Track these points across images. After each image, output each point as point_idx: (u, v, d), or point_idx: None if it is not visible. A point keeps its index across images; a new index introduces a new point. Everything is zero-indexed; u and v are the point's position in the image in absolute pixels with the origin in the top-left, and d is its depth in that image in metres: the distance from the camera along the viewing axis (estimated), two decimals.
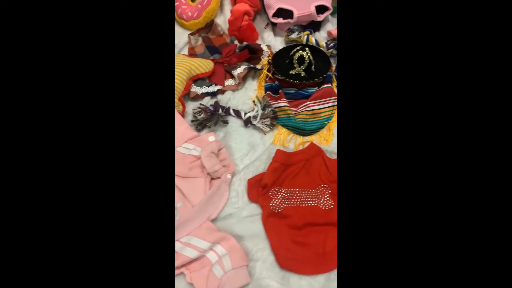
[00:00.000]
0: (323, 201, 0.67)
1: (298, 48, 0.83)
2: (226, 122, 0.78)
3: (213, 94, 0.84)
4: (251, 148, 0.75)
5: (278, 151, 0.71)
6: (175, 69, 0.81)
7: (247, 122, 0.77)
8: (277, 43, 0.97)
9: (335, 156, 0.73)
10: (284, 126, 0.78)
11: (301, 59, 0.82)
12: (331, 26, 1.00)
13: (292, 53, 0.82)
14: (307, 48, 0.83)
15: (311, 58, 0.83)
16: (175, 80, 0.79)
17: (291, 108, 0.80)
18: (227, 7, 1.03)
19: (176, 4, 1.01)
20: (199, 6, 0.98)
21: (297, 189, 0.68)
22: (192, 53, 0.93)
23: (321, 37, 0.96)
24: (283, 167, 0.69)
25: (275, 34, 1.00)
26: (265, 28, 1.01)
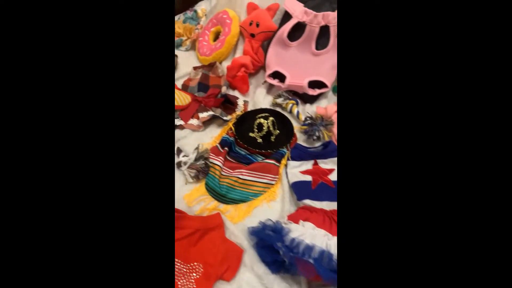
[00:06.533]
0: (185, 280, 0.55)
1: (263, 115, 0.77)
2: None
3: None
4: None
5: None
6: None
7: (178, 165, 0.71)
8: (264, 102, 0.92)
9: (234, 239, 0.60)
10: (206, 183, 0.69)
11: (260, 126, 0.76)
12: (326, 103, 0.92)
13: (257, 116, 0.77)
14: (270, 118, 0.77)
15: (271, 128, 0.76)
16: None
17: (225, 169, 0.72)
18: (238, 54, 1.01)
19: (200, 39, 1.08)
20: (214, 47, 1.03)
21: None
22: (186, 83, 0.95)
23: (310, 111, 0.88)
24: None
25: (267, 92, 0.96)
26: (262, 83, 0.97)
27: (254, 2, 0.98)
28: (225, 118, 0.82)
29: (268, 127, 0.74)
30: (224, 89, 0.91)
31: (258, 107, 0.88)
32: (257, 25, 0.93)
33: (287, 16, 0.92)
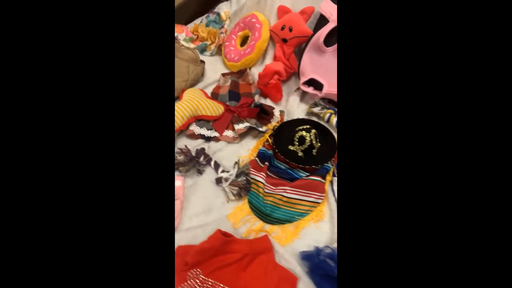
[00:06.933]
0: None
1: (304, 127, 0.72)
2: (200, 173, 0.70)
3: (208, 139, 0.78)
4: (207, 210, 0.64)
5: (217, 232, 0.58)
6: (182, 103, 0.77)
7: (218, 181, 0.67)
8: (298, 110, 0.87)
9: (285, 264, 0.56)
10: (249, 201, 0.65)
11: (302, 139, 0.71)
12: None
13: (297, 129, 0.72)
14: (313, 131, 0.72)
15: (313, 142, 0.71)
16: (177, 115, 0.74)
17: (267, 186, 0.67)
18: (268, 60, 0.98)
19: (226, 43, 1.05)
20: (242, 52, 0.99)
21: (219, 284, 0.54)
22: (215, 91, 0.91)
23: None
24: (214, 252, 0.56)
25: (300, 100, 0.91)
26: (294, 91, 0.93)
27: (285, 5, 0.93)
28: (260, 129, 0.77)
29: (311, 140, 0.70)
30: (256, 98, 0.87)
31: (292, 116, 0.84)
32: (290, 30, 0.89)
33: (322, 20, 0.87)
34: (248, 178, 0.65)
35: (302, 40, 0.89)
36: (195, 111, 0.78)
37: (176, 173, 0.69)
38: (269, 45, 0.97)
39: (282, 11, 0.93)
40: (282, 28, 0.90)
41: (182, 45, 0.98)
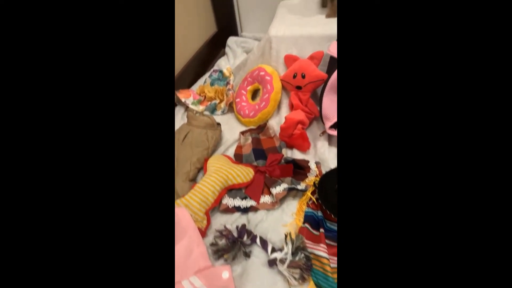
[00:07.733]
0: None
1: None
2: (247, 256, 0.60)
3: (245, 210, 0.69)
4: None
5: None
6: (210, 177, 0.70)
7: (272, 263, 0.57)
8: (330, 156, 0.81)
9: None
10: (317, 285, 0.55)
11: None
12: None
13: None
14: None
15: None
16: (207, 191, 0.67)
17: (331, 258, 0.57)
18: (284, 110, 0.94)
19: (237, 100, 1.02)
20: (257, 106, 0.95)
21: None
22: (238, 152, 0.85)
23: None
24: None
25: (329, 144, 0.85)
26: (320, 135, 0.87)
27: (291, 54, 0.91)
28: (299, 187, 0.70)
29: None
30: (284, 152, 0.81)
31: (327, 164, 0.77)
32: (303, 76, 0.86)
33: (334, 62, 0.85)
34: (307, 253, 0.56)
35: (317, 84, 0.86)
36: (225, 182, 0.71)
37: (221, 261, 0.60)
38: (282, 94, 0.94)
39: (290, 59, 0.92)
40: (294, 76, 0.88)
41: (196, 112, 0.94)
